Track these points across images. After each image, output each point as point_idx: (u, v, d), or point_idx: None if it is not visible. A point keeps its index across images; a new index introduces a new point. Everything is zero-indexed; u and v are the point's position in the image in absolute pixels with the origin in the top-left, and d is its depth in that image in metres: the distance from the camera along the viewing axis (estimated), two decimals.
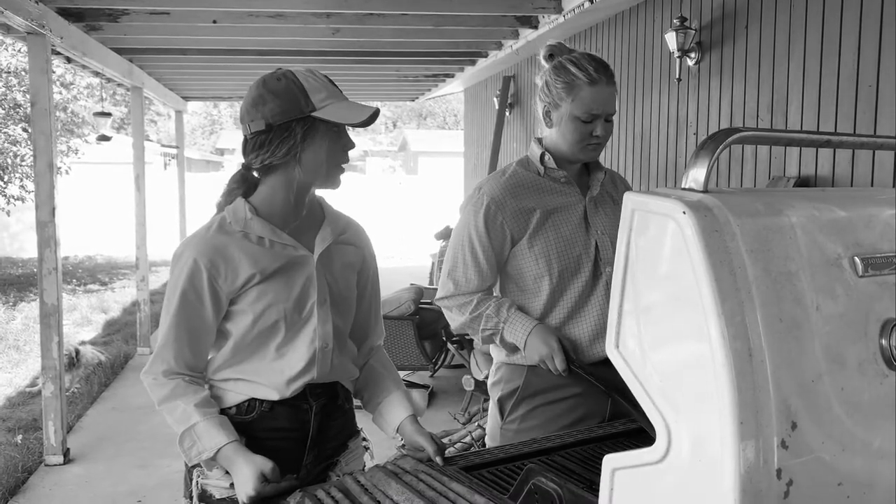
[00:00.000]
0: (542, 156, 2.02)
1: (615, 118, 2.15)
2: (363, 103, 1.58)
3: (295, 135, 1.53)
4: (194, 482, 1.62)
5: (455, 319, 2.04)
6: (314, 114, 1.52)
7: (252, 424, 1.62)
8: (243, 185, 1.64)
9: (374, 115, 1.55)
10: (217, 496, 1.60)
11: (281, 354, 1.62)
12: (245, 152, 1.60)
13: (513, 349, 2.00)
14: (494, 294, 2.08)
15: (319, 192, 1.71)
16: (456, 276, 2.02)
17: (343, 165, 1.63)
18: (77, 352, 6.14)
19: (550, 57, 2.01)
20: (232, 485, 1.54)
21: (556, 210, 2.00)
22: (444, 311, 2.08)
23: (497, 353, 2.08)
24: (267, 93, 1.53)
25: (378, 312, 1.86)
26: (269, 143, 1.54)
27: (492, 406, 2.12)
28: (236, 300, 1.59)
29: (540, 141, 2.05)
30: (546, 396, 2.00)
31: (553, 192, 2.02)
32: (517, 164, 2.07)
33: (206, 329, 1.59)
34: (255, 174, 1.64)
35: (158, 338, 1.61)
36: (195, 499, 1.62)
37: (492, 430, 2.11)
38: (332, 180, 1.62)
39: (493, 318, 1.97)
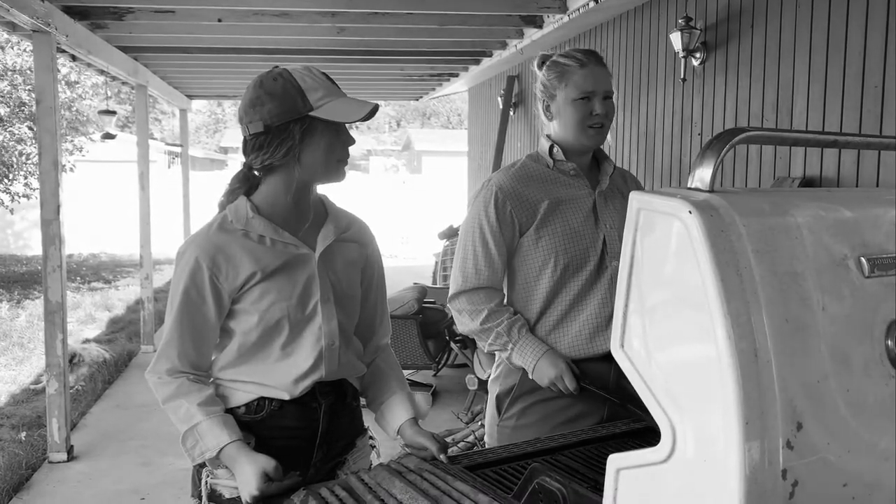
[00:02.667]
0: (550, 148, 2.04)
1: (620, 118, 2.16)
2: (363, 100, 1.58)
3: (293, 135, 1.53)
4: (203, 482, 1.62)
5: (464, 324, 2.03)
6: (312, 113, 1.52)
7: (261, 423, 1.62)
8: (245, 183, 1.64)
9: (373, 111, 1.55)
10: (227, 496, 1.60)
11: (287, 354, 1.61)
12: (245, 152, 1.60)
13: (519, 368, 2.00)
14: (505, 300, 2.08)
15: (322, 190, 1.71)
16: (466, 268, 2.02)
17: (345, 160, 1.63)
18: (73, 355, 6.11)
19: (542, 63, 2.07)
20: None
21: (564, 201, 2.00)
22: (454, 312, 2.06)
23: None
24: (264, 94, 1.53)
25: (385, 310, 1.86)
26: (268, 144, 1.54)
27: (489, 403, 2.12)
28: (238, 299, 1.59)
29: (549, 137, 2.07)
30: (542, 393, 2.00)
31: (562, 184, 2.03)
32: (527, 157, 2.09)
33: (210, 327, 1.60)
34: (257, 173, 1.64)
35: (163, 337, 1.62)
36: (204, 498, 1.62)
37: (489, 427, 2.12)
38: (334, 176, 1.62)
39: (503, 336, 1.98)
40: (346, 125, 1.60)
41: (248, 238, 1.58)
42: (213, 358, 1.66)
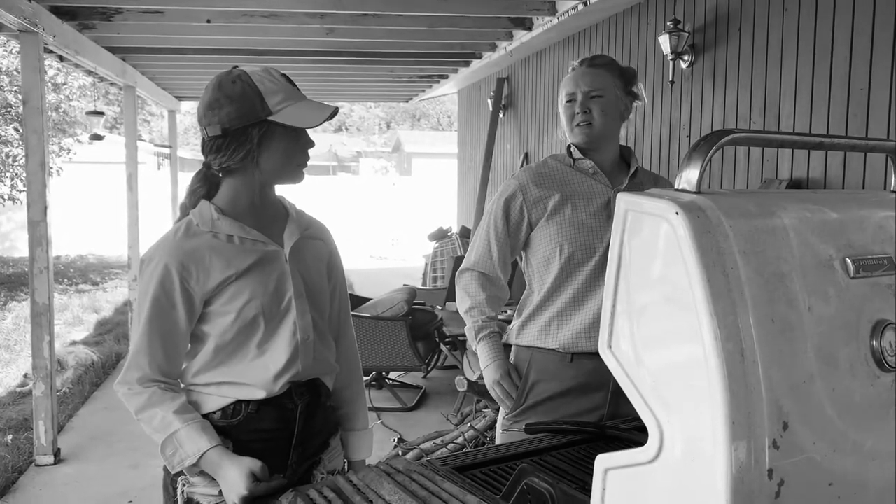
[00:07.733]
0: (569, 147, 2.13)
1: None
2: (325, 102, 1.60)
3: (251, 139, 1.53)
4: (179, 491, 1.59)
5: (458, 301, 2.20)
6: (270, 118, 1.52)
7: (238, 427, 1.60)
8: (206, 183, 1.64)
9: (332, 115, 1.57)
10: None
11: (263, 351, 1.60)
12: (204, 153, 1.60)
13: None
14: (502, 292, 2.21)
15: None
16: (471, 249, 2.20)
17: (304, 163, 1.64)
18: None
19: None
20: (220, 492, 1.52)
21: (575, 195, 2.08)
22: (457, 287, 2.22)
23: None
24: (223, 97, 1.53)
25: (347, 308, 1.88)
26: (226, 147, 1.54)
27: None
28: (211, 301, 1.57)
29: None
30: (540, 393, 2.04)
31: (578, 181, 2.11)
32: (550, 157, 2.20)
33: (180, 334, 1.58)
34: (218, 173, 1.64)
35: (131, 346, 1.59)
36: None
37: (498, 423, 2.19)
38: (293, 178, 1.63)
39: (471, 332, 2.13)
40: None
41: (216, 239, 1.57)
42: (183, 366, 1.64)
